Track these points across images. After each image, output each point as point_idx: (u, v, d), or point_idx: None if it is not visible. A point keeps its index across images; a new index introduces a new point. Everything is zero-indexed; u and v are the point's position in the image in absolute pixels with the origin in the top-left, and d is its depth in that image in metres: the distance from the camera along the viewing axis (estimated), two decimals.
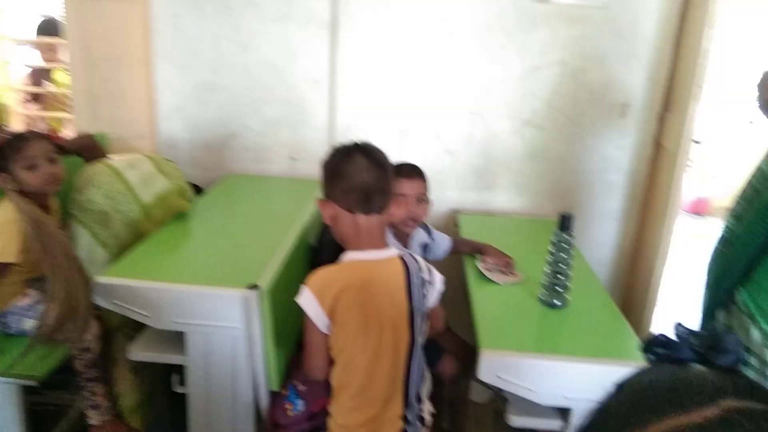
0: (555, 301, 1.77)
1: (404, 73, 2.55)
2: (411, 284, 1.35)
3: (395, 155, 2.58)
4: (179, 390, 1.68)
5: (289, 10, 2.53)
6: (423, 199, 1.84)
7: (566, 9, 2.47)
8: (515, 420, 1.60)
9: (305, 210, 2.20)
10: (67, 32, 2.61)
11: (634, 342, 1.63)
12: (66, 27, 2.61)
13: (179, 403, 1.73)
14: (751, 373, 1.22)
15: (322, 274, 1.33)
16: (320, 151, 2.66)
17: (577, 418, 1.54)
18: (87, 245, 1.88)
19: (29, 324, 1.81)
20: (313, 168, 2.69)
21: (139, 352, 1.69)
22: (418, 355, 1.39)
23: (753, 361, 1.23)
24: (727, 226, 1.36)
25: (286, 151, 2.71)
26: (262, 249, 1.84)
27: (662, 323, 2.53)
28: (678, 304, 3.24)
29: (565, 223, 1.74)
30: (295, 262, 1.86)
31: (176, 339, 1.69)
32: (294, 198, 2.43)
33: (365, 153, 1.36)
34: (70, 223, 1.92)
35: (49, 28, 3.28)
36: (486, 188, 2.70)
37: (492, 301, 1.77)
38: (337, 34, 2.51)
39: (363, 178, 1.33)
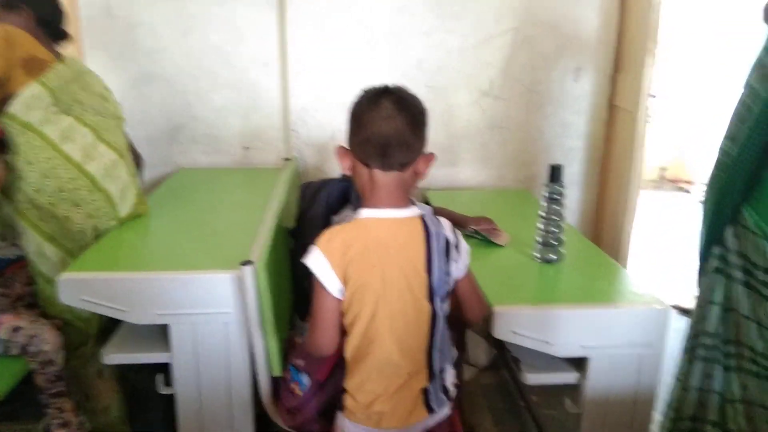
0: (551, 256, 1.73)
1: (359, 50, 2.46)
2: (430, 248, 1.22)
3: None
4: (164, 391, 1.51)
5: None
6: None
7: None
8: (531, 378, 1.53)
9: (272, 197, 2.05)
10: None
11: (637, 285, 1.61)
12: None
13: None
14: None
15: (334, 234, 1.20)
16: (275, 138, 2.57)
17: (594, 368, 1.50)
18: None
19: None
20: (268, 156, 2.60)
21: (115, 354, 1.50)
22: (441, 324, 1.27)
23: None
24: (721, 149, 1.35)
25: (239, 140, 2.56)
26: (240, 234, 1.70)
27: None
28: (647, 269, 3.35)
29: (555, 174, 1.70)
30: (277, 245, 1.72)
31: (156, 335, 1.52)
32: (255, 186, 2.28)
33: (394, 99, 1.18)
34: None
35: None
36: (450, 164, 2.65)
37: (489, 266, 1.70)
38: (285, 14, 2.39)
39: (382, 129, 1.16)
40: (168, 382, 1.51)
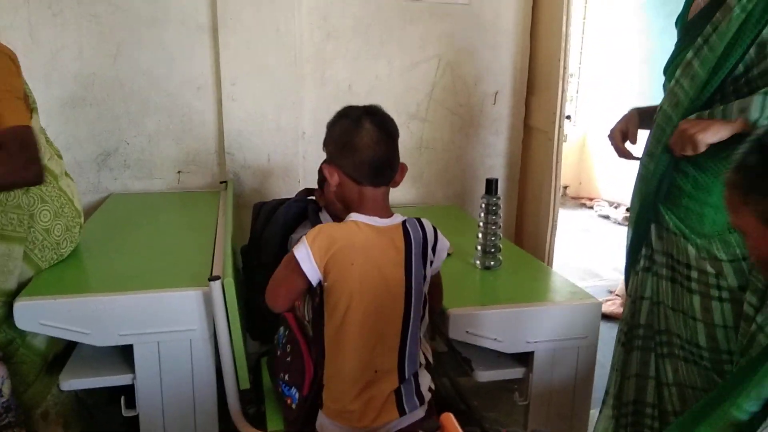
0: (491, 262, 1.87)
1: (291, 74, 2.52)
2: (410, 254, 1.32)
3: (297, 157, 2.59)
4: (127, 414, 1.49)
5: (163, 14, 2.40)
6: None
7: (436, 6, 2.64)
8: (482, 375, 1.65)
9: (218, 217, 2.07)
10: None
11: (569, 285, 1.78)
12: None
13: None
14: (694, 286, 1.40)
15: (323, 231, 1.28)
16: (210, 161, 2.58)
17: (539, 361, 1.64)
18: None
19: None
20: (203, 179, 2.60)
21: (74, 380, 1.47)
22: (415, 326, 1.36)
23: (694, 274, 1.40)
24: (642, 164, 1.55)
25: (172, 164, 2.54)
26: (194, 254, 1.72)
27: None
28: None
29: (491, 186, 1.85)
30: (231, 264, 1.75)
31: (112, 357, 1.50)
32: (195, 209, 2.29)
33: (376, 123, 1.30)
34: None
35: None
36: None
37: None
38: (218, 38, 2.43)
39: (375, 153, 1.28)
40: (130, 404, 1.49)
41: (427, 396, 1.40)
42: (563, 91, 2.49)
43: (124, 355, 1.54)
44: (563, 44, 2.45)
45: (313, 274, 1.27)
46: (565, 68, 2.48)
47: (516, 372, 1.68)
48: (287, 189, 2.51)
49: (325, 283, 1.28)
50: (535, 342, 1.62)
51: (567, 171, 5.82)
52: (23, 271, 1.56)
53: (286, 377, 1.41)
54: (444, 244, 1.43)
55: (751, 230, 0.94)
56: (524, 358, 1.68)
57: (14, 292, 1.50)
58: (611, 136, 1.59)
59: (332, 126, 1.34)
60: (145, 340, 1.45)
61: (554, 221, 2.57)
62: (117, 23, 2.37)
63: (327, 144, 1.35)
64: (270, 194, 2.54)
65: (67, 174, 1.78)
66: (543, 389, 1.66)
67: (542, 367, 1.65)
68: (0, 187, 1.46)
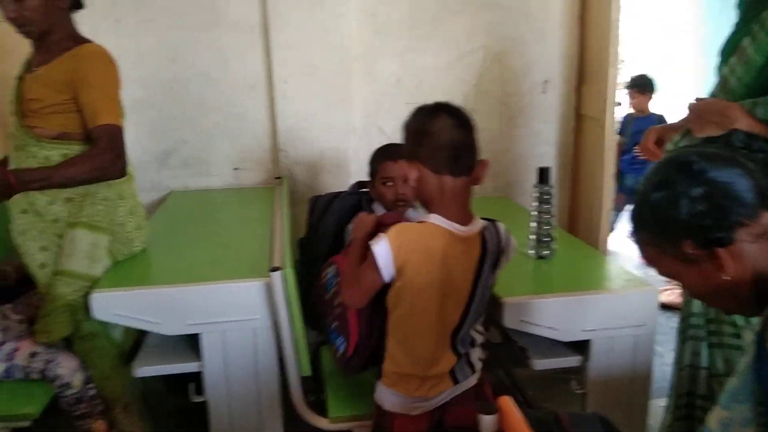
0: (545, 252, 1.87)
1: (341, 71, 2.57)
2: (483, 264, 1.35)
3: (348, 152, 2.65)
4: (196, 399, 1.57)
5: (217, 18, 2.48)
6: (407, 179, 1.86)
7: None
8: (538, 363, 1.66)
9: (275, 212, 2.14)
10: None
11: (627, 273, 1.77)
12: None
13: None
14: None
15: (404, 231, 1.30)
16: (264, 158, 2.65)
17: (596, 349, 1.64)
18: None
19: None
20: (258, 176, 2.68)
21: (146, 367, 1.56)
22: (472, 320, 1.39)
23: None
24: None
25: (229, 162, 2.63)
26: (254, 246, 1.79)
27: None
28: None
29: (544, 175, 1.85)
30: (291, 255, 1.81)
31: (178, 347, 1.59)
32: (252, 204, 2.37)
33: (450, 112, 1.32)
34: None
35: None
36: None
37: None
38: (269, 38, 2.50)
39: (452, 136, 1.29)
40: (198, 391, 1.57)
41: (478, 365, 1.43)
42: (614, 78, 2.45)
43: (189, 344, 1.62)
44: (613, 31, 2.41)
45: (386, 272, 1.29)
46: (615, 55, 2.44)
47: (572, 360, 1.68)
48: (339, 183, 2.56)
49: (397, 283, 1.31)
50: (592, 330, 1.62)
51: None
52: (104, 261, 1.68)
53: (334, 325, 1.46)
54: (514, 245, 1.45)
55: (679, 274, 0.97)
56: (580, 347, 1.68)
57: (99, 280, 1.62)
58: (646, 134, 1.57)
59: (408, 122, 1.36)
60: (212, 329, 1.52)
61: (608, 208, 2.54)
62: (174, 28, 2.47)
63: (405, 141, 1.37)
64: (322, 189, 2.59)
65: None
66: (600, 378, 1.66)
67: (599, 356, 1.64)
68: (88, 179, 1.60)
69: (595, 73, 2.63)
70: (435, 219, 1.31)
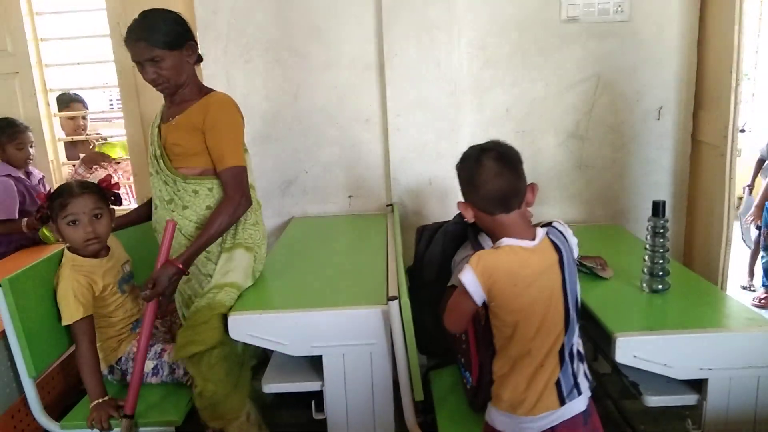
0: (659, 286, 1.85)
1: (451, 104, 2.66)
2: (563, 263, 1.41)
3: (454, 181, 2.71)
4: (318, 417, 1.70)
5: (336, 57, 2.67)
6: None
7: (594, 26, 2.64)
8: (651, 400, 1.64)
9: (387, 239, 2.26)
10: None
11: (748, 311, 1.71)
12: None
13: None
14: None
15: (484, 255, 1.39)
16: (377, 186, 2.80)
17: (714, 388, 1.60)
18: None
19: (149, 366, 1.83)
20: (371, 203, 2.82)
21: (273, 384, 1.71)
22: (574, 326, 1.43)
23: None
24: None
25: (344, 189, 2.80)
26: (371, 273, 1.91)
27: None
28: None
29: (658, 209, 1.83)
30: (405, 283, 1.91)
31: (302, 367, 1.72)
32: (365, 231, 2.51)
33: (493, 157, 1.42)
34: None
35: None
36: (539, 203, 2.79)
37: (600, 296, 1.83)
38: (384, 75, 2.64)
39: (497, 186, 1.39)
40: (319, 408, 1.69)
41: (584, 385, 1.43)
42: (736, 104, 2.36)
43: (310, 364, 1.76)
44: (735, 55, 2.33)
45: (478, 296, 1.38)
46: (737, 81, 2.36)
47: (688, 399, 1.65)
48: (446, 211, 2.65)
49: (492, 304, 1.39)
50: (709, 369, 1.58)
51: (739, 184, 5.38)
52: (251, 278, 1.91)
53: (462, 361, 1.55)
54: (574, 241, 1.50)
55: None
56: (696, 384, 1.64)
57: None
58: None
59: (458, 169, 1.48)
60: (333, 352, 1.65)
61: (728, 241, 2.43)
62: (297, 67, 2.68)
63: (460, 184, 1.48)
64: (431, 216, 2.69)
65: None
66: (719, 418, 1.62)
67: (718, 395, 1.60)
68: (228, 226, 1.82)
69: (714, 98, 2.55)
70: (507, 241, 1.40)
